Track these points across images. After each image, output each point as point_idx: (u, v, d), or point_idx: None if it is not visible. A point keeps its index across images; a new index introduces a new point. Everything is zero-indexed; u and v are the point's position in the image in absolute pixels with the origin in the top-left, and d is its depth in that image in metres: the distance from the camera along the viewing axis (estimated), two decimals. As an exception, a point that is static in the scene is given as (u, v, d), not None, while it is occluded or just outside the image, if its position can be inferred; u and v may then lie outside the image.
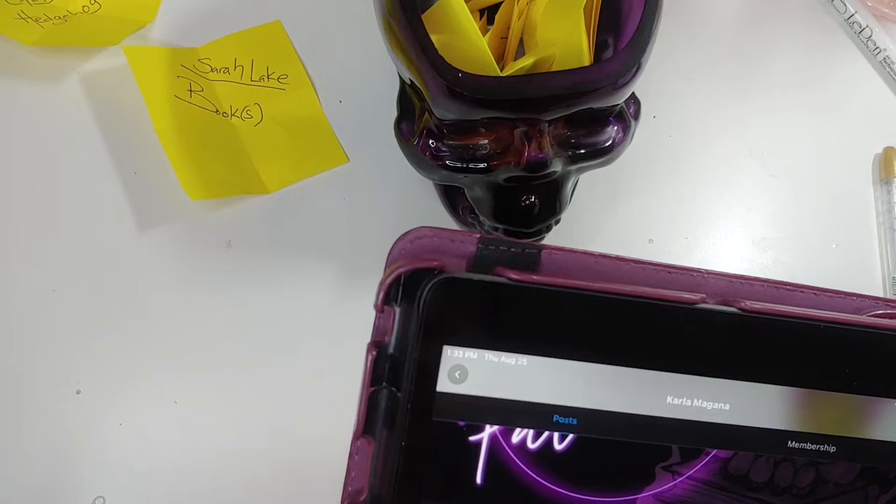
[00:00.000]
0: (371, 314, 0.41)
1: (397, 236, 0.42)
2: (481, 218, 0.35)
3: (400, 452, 0.19)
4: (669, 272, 0.22)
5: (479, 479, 0.20)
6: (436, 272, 0.20)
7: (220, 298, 0.39)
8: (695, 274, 0.22)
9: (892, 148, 0.44)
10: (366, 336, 0.41)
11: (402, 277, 0.20)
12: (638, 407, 0.20)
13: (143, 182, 0.40)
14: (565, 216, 0.36)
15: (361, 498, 0.20)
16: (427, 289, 0.19)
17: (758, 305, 0.20)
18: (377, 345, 0.20)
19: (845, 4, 0.46)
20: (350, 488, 0.20)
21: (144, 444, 0.36)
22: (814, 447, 0.21)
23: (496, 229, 0.35)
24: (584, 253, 0.21)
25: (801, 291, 0.22)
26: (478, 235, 0.21)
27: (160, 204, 0.40)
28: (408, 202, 0.41)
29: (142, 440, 0.36)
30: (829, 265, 0.42)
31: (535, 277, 0.20)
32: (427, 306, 0.19)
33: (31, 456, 0.36)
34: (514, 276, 0.19)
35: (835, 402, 0.21)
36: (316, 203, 0.41)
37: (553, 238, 0.38)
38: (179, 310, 0.38)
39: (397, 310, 0.20)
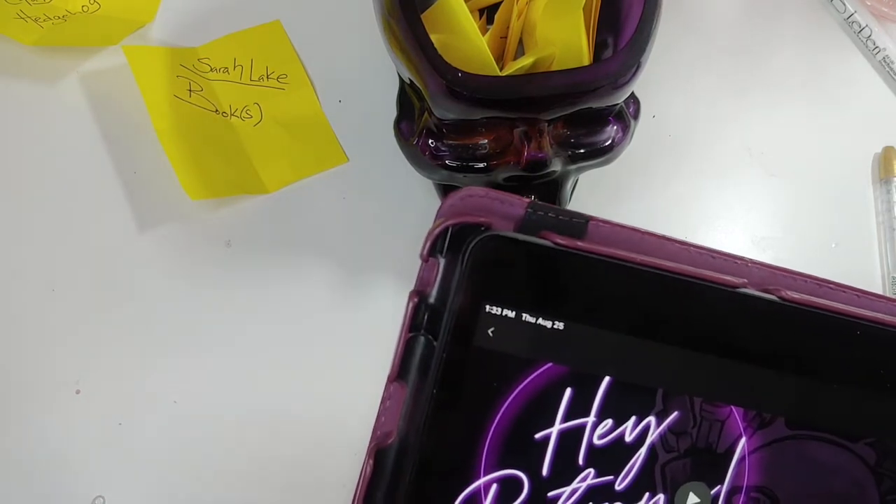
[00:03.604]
0: (372, 312, 0.41)
1: (398, 235, 0.43)
2: (481, 217, 0.35)
3: (430, 401, 0.20)
4: (713, 256, 0.22)
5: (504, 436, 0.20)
6: (483, 229, 0.20)
7: (219, 298, 0.39)
8: (738, 261, 0.22)
9: (892, 147, 0.44)
10: (366, 334, 0.41)
11: (450, 230, 0.20)
12: (664, 382, 0.20)
13: (142, 182, 0.40)
14: (565, 216, 0.36)
15: (389, 441, 0.20)
16: (473, 244, 0.19)
17: (797, 296, 0.20)
18: (419, 293, 0.20)
19: (844, 4, 0.46)
20: (379, 432, 0.20)
21: (144, 444, 0.36)
22: (838, 441, 0.21)
23: (496, 229, 0.35)
24: (631, 228, 0.21)
25: (844, 291, 0.22)
26: (527, 200, 0.21)
27: (160, 204, 0.40)
28: (408, 202, 0.41)
29: (142, 440, 0.36)
30: (828, 265, 0.42)
31: (579, 244, 0.20)
32: (471, 261, 0.19)
33: (32, 456, 0.36)
34: (559, 240, 0.20)
35: (865, 401, 0.21)
36: (316, 203, 0.41)
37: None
38: (179, 309, 0.38)
39: (441, 262, 0.20)
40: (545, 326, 0.20)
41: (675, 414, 0.20)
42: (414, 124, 0.34)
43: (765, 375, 0.21)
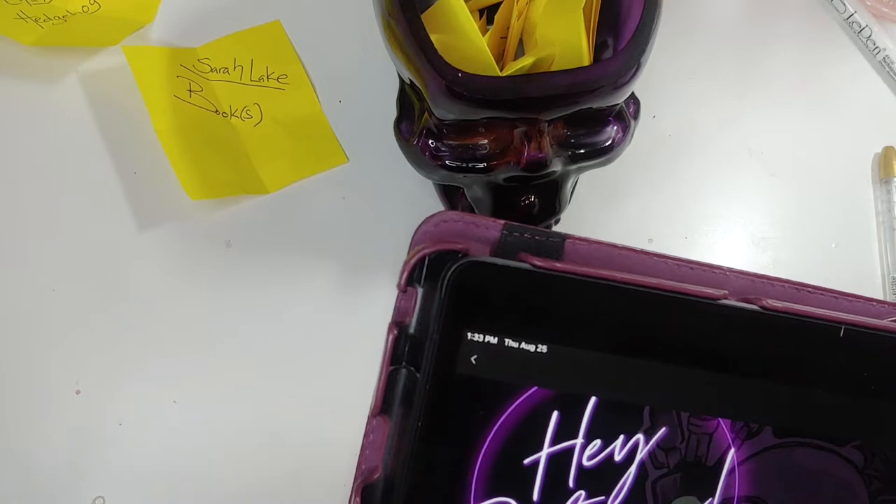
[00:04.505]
0: (371, 313, 0.41)
1: (397, 235, 0.43)
2: (481, 218, 0.35)
3: (416, 433, 0.19)
4: (692, 268, 0.22)
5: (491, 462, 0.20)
6: (460, 255, 0.20)
7: (219, 298, 0.39)
8: (717, 271, 0.22)
9: (892, 148, 0.44)
10: (366, 335, 0.41)
11: (427, 259, 0.20)
12: (650, 399, 0.20)
13: (142, 182, 0.40)
14: (565, 216, 0.36)
15: (375, 476, 0.20)
16: (451, 271, 0.19)
17: (778, 304, 0.20)
18: (398, 325, 0.20)
19: (845, 4, 0.46)
20: (364, 466, 0.20)
21: (144, 444, 0.36)
22: (826, 445, 0.21)
23: (496, 229, 0.35)
24: (608, 244, 0.21)
25: (822, 294, 0.22)
26: (502, 222, 0.21)
27: (160, 204, 0.40)
28: (407, 202, 0.41)
29: (142, 440, 0.36)
30: (828, 265, 0.42)
31: (558, 265, 0.19)
32: (451, 289, 0.19)
33: (31, 456, 0.36)
34: (537, 262, 0.19)
35: (849, 405, 0.21)
36: (316, 203, 0.41)
37: (553, 238, 0.38)
38: (179, 310, 0.38)
39: (420, 291, 0.20)
40: (528, 350, 0.19)
41: (662, 430, 0.20)
42: (414, 124, 0.34)
43: (750, 385, 0.21)
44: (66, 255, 0.39)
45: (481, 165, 0.33)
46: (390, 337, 0.20)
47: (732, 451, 0.21)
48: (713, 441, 0.21)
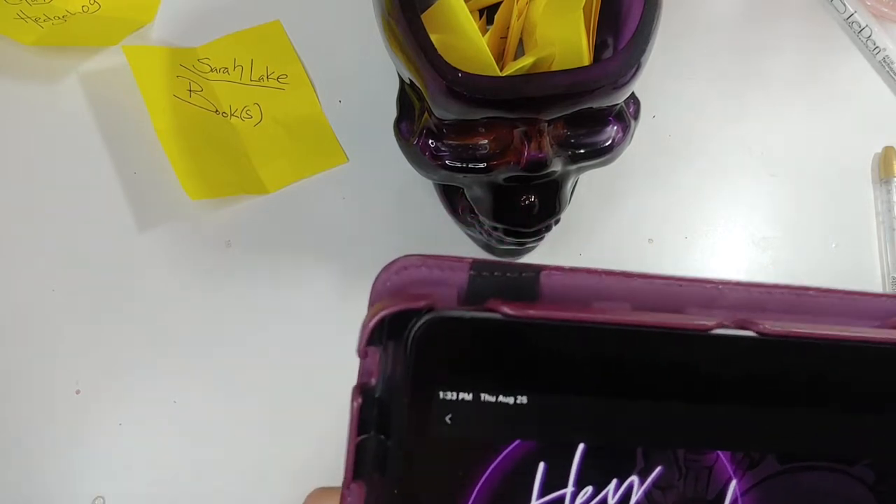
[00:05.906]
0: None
1: (397, 235, 0.43)
2: (481, 218, 0.35)
3: (394, 501, 0.18)
4: (681, 285, 0.20)
5: None
6: (423, 311, 0.18)
7: (219, 298, 0.39)
8: (708, 286, 0.20)
9: (892, 148, 0.44)
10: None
11: (386, 319, 0.18)
12: (643, 439, 0.19)
13: (142, 182, 0.40)
14: (565, 216, 0.36)
15: None
16: (415, 330, 0.18)
17: (777, 328, 0.19)
18: (363, 388, 0.18)
19: (845, 4, 0.46)
20: None
21: (144, 444, 0.36)
22: (833, 466, 0.20)
23: (496, 229, 0.35)
24: (587, 271, 0.19)
25: (825, 296, 0.20)
26: (469, 261, 0.19)
27: (160, 204, 0.40)
28: (408, 202, 0.41)
29: (142, 440, 0.36)
30: (828, 265, 0.42)
31: (531, 312, 0.18)
32: (416, 349, 0.18)
33: (31, 456, 0.36)
34: (508, 311, 0.18)
35: (857, 423, 0.20)
36: (316, 203, 0.41)
37: (553, 237, 0.38)
38: (179, 309, 0.38)
39: (383, 350, 0.18)
40: (507, 403, 0.18)
41: (658, 469, 0.19)
42: (414, 124, 0.34)
43: (748, 413, 0.19)
44: (66, 255, 0.39)
45: (481, 165, 0.33)
46: (355, 405, 0.18)
47: (734, 482, 0.20)
48: (713, 474, 0.20)
